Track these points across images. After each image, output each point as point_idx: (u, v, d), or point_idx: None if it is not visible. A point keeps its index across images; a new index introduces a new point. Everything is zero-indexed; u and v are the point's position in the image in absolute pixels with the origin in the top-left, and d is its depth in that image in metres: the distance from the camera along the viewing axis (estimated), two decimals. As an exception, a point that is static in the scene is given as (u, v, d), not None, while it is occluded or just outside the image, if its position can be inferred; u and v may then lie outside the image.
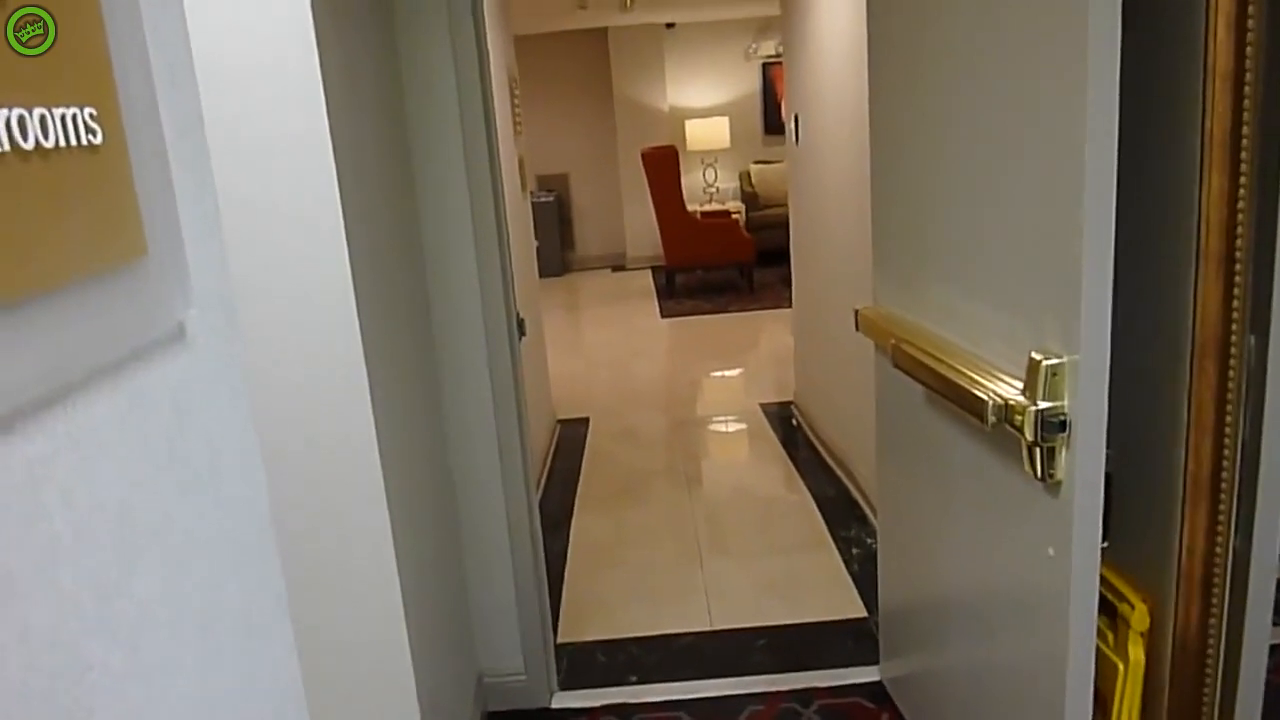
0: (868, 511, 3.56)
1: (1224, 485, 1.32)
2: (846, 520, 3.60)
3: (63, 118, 0.51)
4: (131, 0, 0.59)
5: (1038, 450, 1.39)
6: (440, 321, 2.41)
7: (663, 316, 7.89)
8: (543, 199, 9.59)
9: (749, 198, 9.88)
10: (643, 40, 9.88)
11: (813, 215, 4.30)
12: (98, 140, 0.54)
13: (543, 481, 4.23)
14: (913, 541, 2.16)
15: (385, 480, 1.80)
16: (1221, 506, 1.33)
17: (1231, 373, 1.28)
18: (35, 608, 0.48)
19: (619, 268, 10.39)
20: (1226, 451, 1.31)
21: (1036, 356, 1.37)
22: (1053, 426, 1.36)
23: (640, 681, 2.65)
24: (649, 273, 9.82)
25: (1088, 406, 1.32)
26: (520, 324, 2.56)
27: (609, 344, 7.25)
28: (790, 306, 5.15)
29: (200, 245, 0.65)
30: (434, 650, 2.10)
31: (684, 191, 8.56)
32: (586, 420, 5.16)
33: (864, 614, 2.90)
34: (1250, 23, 1.19)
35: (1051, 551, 1.41)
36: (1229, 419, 1.29)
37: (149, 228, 0.58)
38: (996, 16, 1.48)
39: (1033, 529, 1.48)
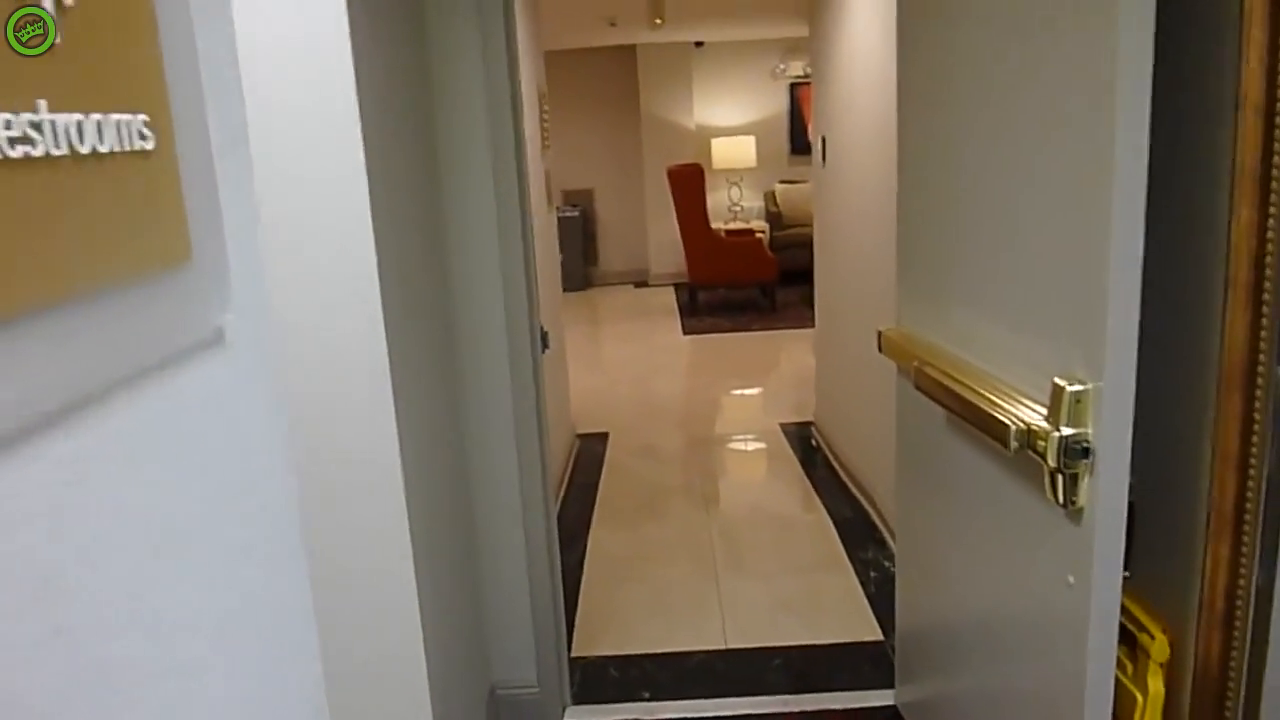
0: (886, 534, 3.55)
1: (1248, 518, 1.31)
2: (864, 542, 3.59)
3: (118, 124, 0.52)
4: (184, 13, 0.61)
5: (1060, 477, 1.39)
6: (464, 332, 2.43)
7: (684, 333, 7.89)
8: (568, 214, 9.63)
9: (773, 217, 9.89)
10: (671, 58, 9.93)
11: (837, 236, 4.30)
12: (149, 146, 0.55)
13: (561, 495, 4.24)
14: (931, 565, 2.15)
15: (406, 490, 1.81)
16: (1245, 539, 1.32)
17: (1258, 404, 1.27)
18: (72, 605, 0.49)
19: (642, 284, 10.41)
20: (1251, 484, 1.30)
21: (1060, 382, 1.37)
22: (1076, 453, 1.35)
23: (653, 698, 2.65)
24: (672, 289, 9.83)
25: (1112, 434, 1.32)
26: (543, 337, 2.58)
27: (630, 360, 7.26)
28: (812, 326, 5.15)
29: (240, 252, 0.67)
30: (449, 661, 2.11)
31: (709, 209, 8.58)
32: (606, 435, 5.16)
33: (880, 637, 2.89)
34: (1283, 54, 1.19)
35: (1072, 580, 1.41)
36: (1254, 451, 1.28)
37: (194, 233, 0.60)
38: (1026, 41, 1.49)
39: (1053, 556, 1.47)
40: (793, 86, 10.14)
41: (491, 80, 2.32)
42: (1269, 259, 1.22)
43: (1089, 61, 1.28)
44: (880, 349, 2.28)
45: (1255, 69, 1.19)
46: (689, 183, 8.24)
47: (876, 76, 3.36)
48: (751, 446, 5.17)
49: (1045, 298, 1.48)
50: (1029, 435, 1.43)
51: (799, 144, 10.06)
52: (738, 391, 6.38)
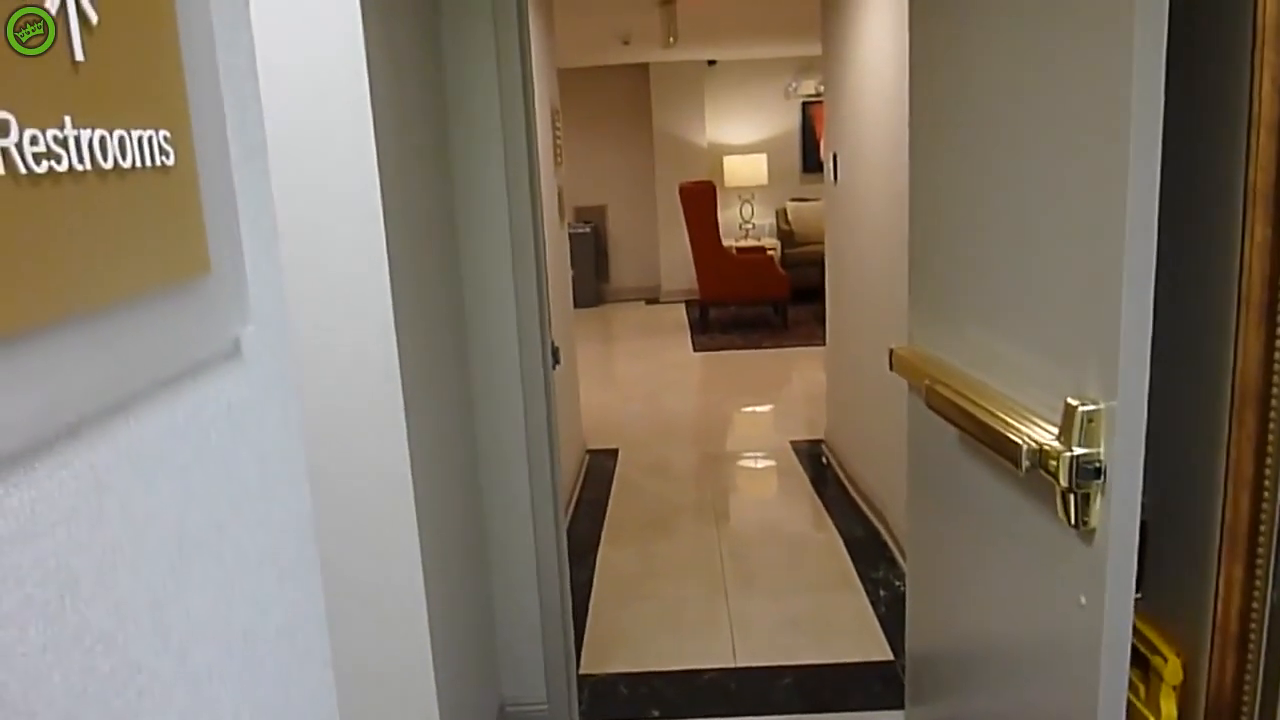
0: (896, 553, 3.53)
1: (1261, 539, 1.30)
2: (875, 561, 3.57)
3: (139, 139, 0.53)
4: (206, 29, 0.62)
5: (1072, 497, 1.38)
6: (476, 348, 2.44)
7: (695, 350, 7.90)
8: (580, 230, 9.66)
9: (785, 235, 9.91)
10: (684, 76, 9.97)
11: (849, 254, 4.30)
12: (170, 162, 0.56)
13: (570, 511, 4.24)
14: (942, 585, 2.14)
15: (417, 506, 1.82)
16: (1259, 561, 1.31)
17: (1271, 424, 1.26)
18: (94, 611, 0.50)
19: (653, 300, 10.43)
20: (1265, 505, 1.29)
21: (1073, 402, 1.36)
22: (1087, 473, 1.35)
23: (663, 716, 2.64)
24: (683, 306, 9.84)
25: (1124, 454, 1.31)
26: (555, 352, 2.58)
27: (641, 376, 7.27)
28: (823, 344, 5.15)
29: (258, 264, 0.67)
30: (458, 677, 2.11)
31: (720, 227, 8.60)
32: (616, 451, 5.16)
33: (891, 656, 2.87)
34: (1296, 76, 1.19)
35: (1084, 600, 1.40)
36: (1268, 472, 1.28)
37: (213, 246, 0.61)
38: (1039, 61, 1.49)
39: (1065, 577, 1.46)
40: (805, 105, 10.17)
41: (505, 97, 2.33)
42: (1282, 280, 1.22)
43: (1102, 82, 1.29)
44: (891, 367, 2.28)
45: (1269, 91, 1.19)
46: (701, 200, 8.26)
47: (889, 95, 3.37)
48: (762, 464, 5.17)
49: (1058, 317, 1.48)
50: (1041, 455, 1.42)
51: (811, 162, 10.08)
52: (748, 409, 6.38)
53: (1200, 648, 1.42)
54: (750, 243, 9.63)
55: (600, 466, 4.93)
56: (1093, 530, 1.37)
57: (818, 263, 5.30)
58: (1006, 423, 1.55)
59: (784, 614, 3.23)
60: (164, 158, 0.56)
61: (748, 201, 10.16)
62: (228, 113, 0.64)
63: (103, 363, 0.51)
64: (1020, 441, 1.47)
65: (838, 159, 4.42)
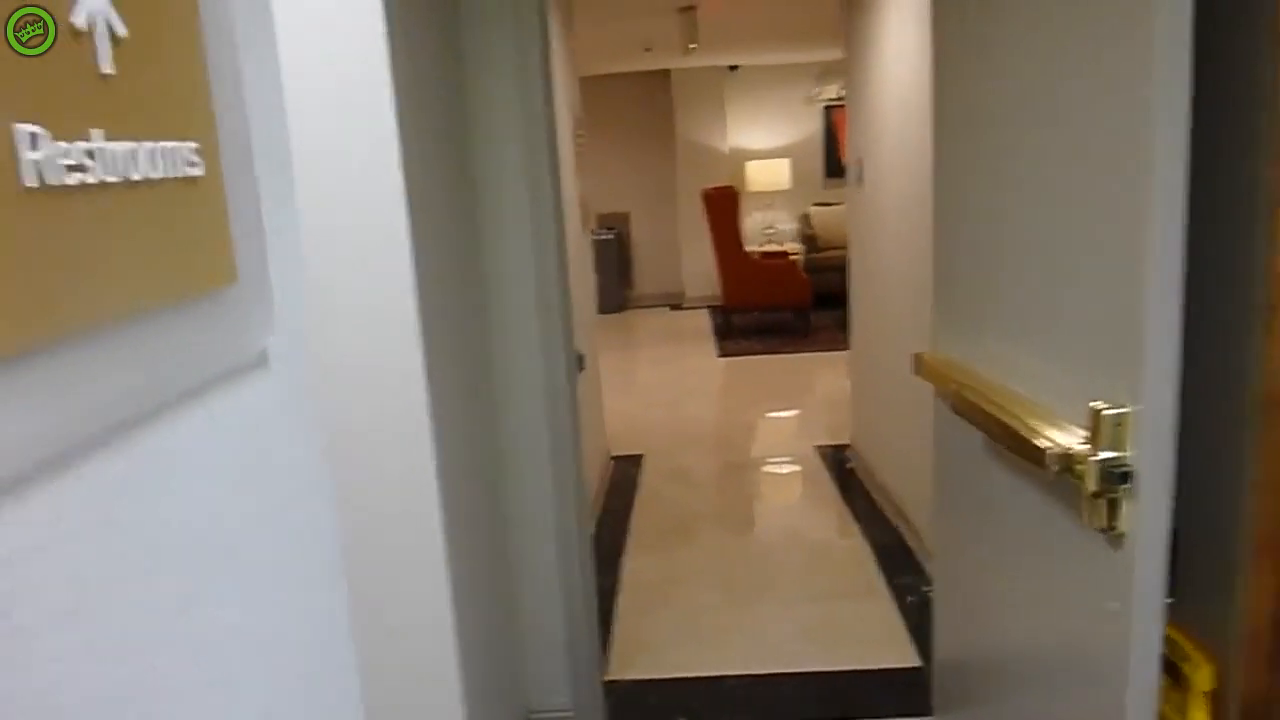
0: (923, 559, 3.51)
1: (1294, 544, 1.28)
2: (901, 567, 3.55)
3: (167, 151, 0.54)
4: (231, 41, 0.63)
5: (1099, 501, 1.37)
6: (500, 355, 2.45)
7: (719, 356, 7.89)
8: (603, 236, 9.68)
9: (808, 240, 9.88)
10: (705, 82, 9.98)
11: (872, 258, 4.29)
12: (198, 173, 0.57)
13: (595, 517, 4.24)
14: (970, 591, 2.13)
15: (443, 513, 1.82)
16: (1291, 565, 1.29)
17: (1302, 428, 1.25)
18: (120, 618, 0.51)
19: (676, 306, 10.43)
20: (1297, 509, 1.28)
21: (1099, 406, 1.35)
22: (1115, 478, 1.33)
23: (688, 723, 2.63)
24: (706, 312, 9.84)
25: (1152, 458, 1.30)
26: (579, 359, 2.59)
27: (664, 382, 7.27)
28: (847, 349, 5.13)
29: (284, 275, 0.68)
30: (483, 684, 2.11)
31: (743, 232, 8.59)
32: (640, 458, 5.16)
33: (918, 663, 2.85)
34: (1324, 75, 1.18)
35: (1113, 606, 1.38)
36: (1300, 475, 1.26)
37: (239, 257, 0.61)
38: (1062, 66, 1.49)
39: (1093, 582, 1.45)
40: (827, 109, 10.15)
41: (527, 106, 2.34)
42: (1312, 281, 1.20)
43: (1126, 86, 1.28)
44: (916, 372, 2.27)
45: (1296, 90, 1.18)
46: (723, 206, 8.26)
47: (912, 99, 3.36)
48: (786, 470, 5.15)
49: (1083, 320, 1.47)
50: (1067, 459, 1.41)
51: (833, 167, 10.05)
52: (772, 414, 6.36)
53: (1233, 654, 1.40)
54: (773, 248, 9.61)
55: (624, 473, 4.93)
56: (1121, 535, 1.36)
57: (841, 268, 5.29)
58: (1032, 427, 1.54)
59: (810, 620, 3.22)
60: (191, 169, 0.56)
61: (770, 207, 10.14)
62: (253, 124, 0.65)
63: (130, 373, 0.52)
64: (1047, 446, 1.45)
65: (861, 163, 4.41)
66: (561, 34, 4.26)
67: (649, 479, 4.85)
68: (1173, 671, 1.50)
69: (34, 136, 0.44)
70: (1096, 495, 1.36)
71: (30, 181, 0.44)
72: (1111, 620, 1.39)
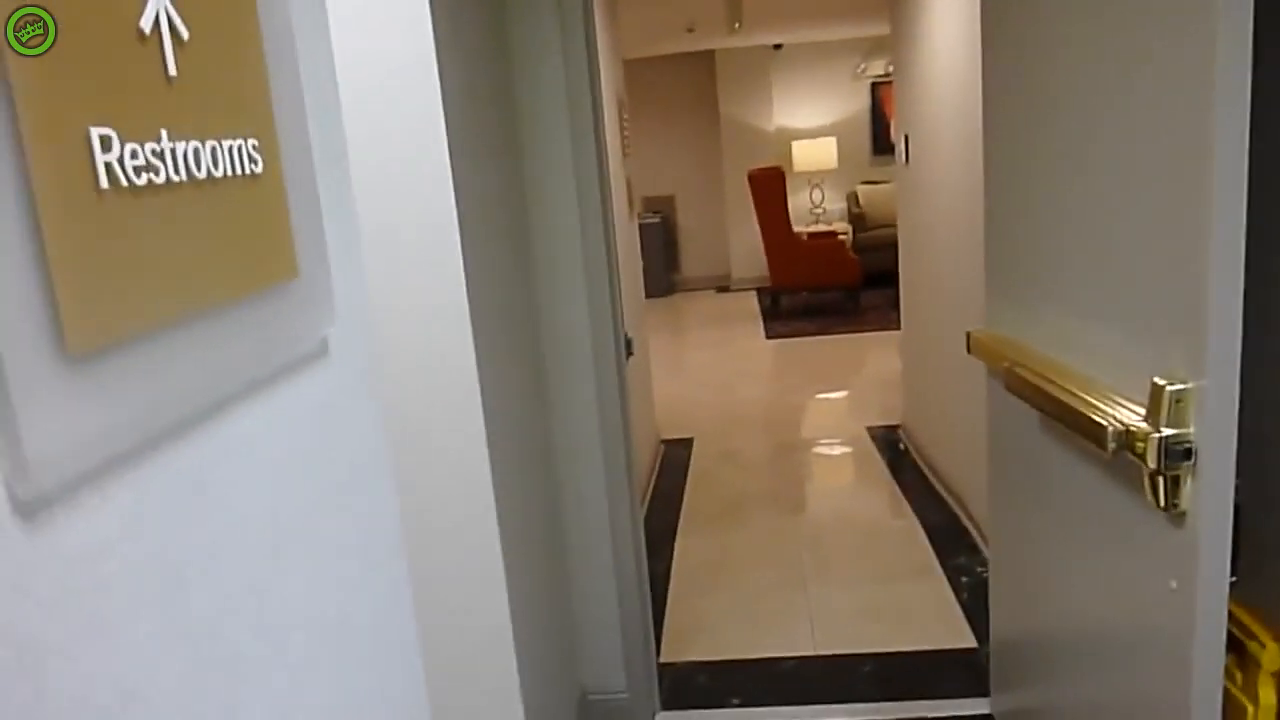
0: (978, 539, 3.48)
1: (1364, 520, 1.25)
2: (956, 548, 3.52)
3: (230, 149, 0.56)
4: (288, 38, 0.64)
5: (1161, 479, 1.35)
6: (549, 341, 2.46)
7: (767, 338, 7.85)
8: (649, 220, 9.67)
9: (856, 219, 9.78)
10: (750, 62, 9.90)
11: (922, 236, 4.24)
12: (259, 169, 0.58)
13: (646, 501, 4.26)
14: (1026, 571, 2.11)
15: (496, 498, 1.85)
16: (1361, 542, 1.26)
17: (1373, 402, 1.22)
18: (198, 600, 0.52)
19: (724, 289, 10.39)
20: (1367, 485, 1.25)
21: (1160, 381, 1.33)
22: (1177, 455, 1.31)
23: (743, 704, 2.64)
24: (754, 294, 9.79)
25: (1215, 434, 1.28)
26: (628, 344, 2.60)
27: (713, 365, 7.26)
28: (897, 329, 5.08)
29: (343, 267, 0.69)
30: (539, 667, 2.14)
31: (790, 212, 8.53)
32: (690, 441, 5.17)
33: (974, 644, 2.83)
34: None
35: (1175, 585, 1.36)
36: (1370, 450, 1.23)
37: (300, 251, 0.63)
38: (1120, 32, 1.46)
39: (1154, 561, 1.43)
40: (874, 86, 10.02)
41: (572, 91, 2.35)
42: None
43: (1186, 51, 1.25)
44: (969, 350, 2.25)
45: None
46: (770, 186, 8.20)
47: (960, 72, 3.31)
48: (837, 451, 5.12)
49: (1143, 294, 1.44)
50: (1127, 436, 1.39)
51: (881, 144, 9.93)
52: (822, 395, 6.32)
53: (1300, 633, 1.38)
54: (821, 228, 9.53)
55: (675, 456, 4.94)
56: (1183, 513, 1.34)
57: (891, 246, 5.23)
58: (1090, 404, 1.52)
59: (863, 602, 3.21)
60: (253, 166, 0.58)
61: (818, 186, 10.05)
62: (311, 119, 0.66)
63: (200, 365, 0.54)
64: (1105, 423, 1.43)
65: (909, 140, 4.35)
66: (605, 17, 4.25)
67: (700, 462, 4.86)
68: (1239, 650, 1.48)
69: (106, 139, 0.46)
70: (1157, 473, 1.34)
71: (104, 183, 0.45)
72: (1174, 599, 1.37)
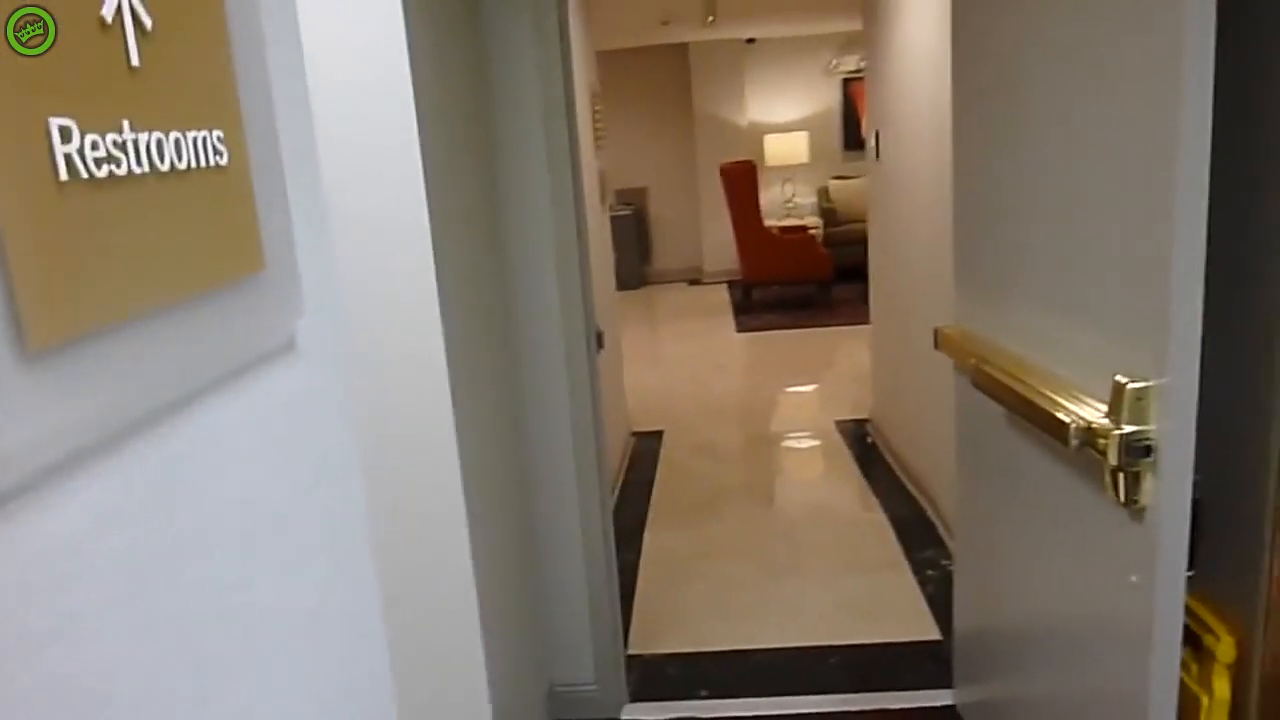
0: (944, 533, 3.51)
1: (1317, 517, 1.28)
2: (922, 542, 3.55)
3: (194, 140, 0.55)
4: (256, 31, 0.63)
5: (1121, 475, 1.37)
6: (520, 333, 2.46)
7: (739, 331, 7.87)
8: (622, 212, 9.66)
9: (827, 213, 9.82)
10: (723, 56, 9.90)
11: (892, 232, 4.27)
12: (224, 161, 0.58)
13: (616, 493, 4.26)
14: (990, 564, 2.13)
15: (465, 490, 1.84)
16: (1314, 538, 1.29)
17: (1327, 401, 1.24)
18: (167, 597, 0.52)
19: (696, 281, 10.41)
20: (1319, 482, 1.27)
21: (1121, 379, 1.35)
22: (1137, 451, 1.33)
23: (711, 696, 2.66)
24: (725, 287, 9.81)
25: (1175, 431, 1.30)
26: (598, 337, 2.60)
27: (685, 358, 7.27)
28: (867, 323, 5.11)
29: (312, 260, 0.69)
30: (507, 658, 2.14)
31: (762, 206, 8.55)
32: (661, 433, 5.18)
33: (939, 637, 2.86)
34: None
35: (1134, 579, 1.39)
36: (1323, 448, 1.26)
37: (267, 244, 0.62)
38: (1086, 34, 1.47)
39: (1115, 555, 1.45)
40: (845, 82, 10.06)
41: (545, 82, 2.34)
42: (1338, 252, 1.19)
43: (1152, 53, 1.27)
44: (937, 346, 2.27)
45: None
46: (742, 180, 8.22)
47: (931, 70, 3.33)
48: (807, 444, 5.15)
49: (1106, 293, 1.46)
50: (1089, 433, 1.41)
51: (852, 140, 9.97)
52: (793, 389, 6.35)
53: (1253, 626, 1.41)
54: (792, 222, 9.56)
55: (646, 448, 4.95)
56: (1143, 508, 1.36)
57: (861, 241, 5.26)
58: (1054, 401, 1.54)
59: (831, 594, 3.23)
60: (218, 158, 0.57)
61: (789, 180, 10.08)
62: (278, 112, 0.66)
63: (166, 360, 0.53)
64: (1069, 419, 1.45)
65: (879, 136, 4.38)
66: (579, 9, 4.24)
67: (670, 454, 4.87)
68: (1195, 643, 1.50)
69: (66, 130, 0.45)
70: (1118, 469, 1.37)
71: (64, 175, 0.45)
72: (1133, 593, 1.39)
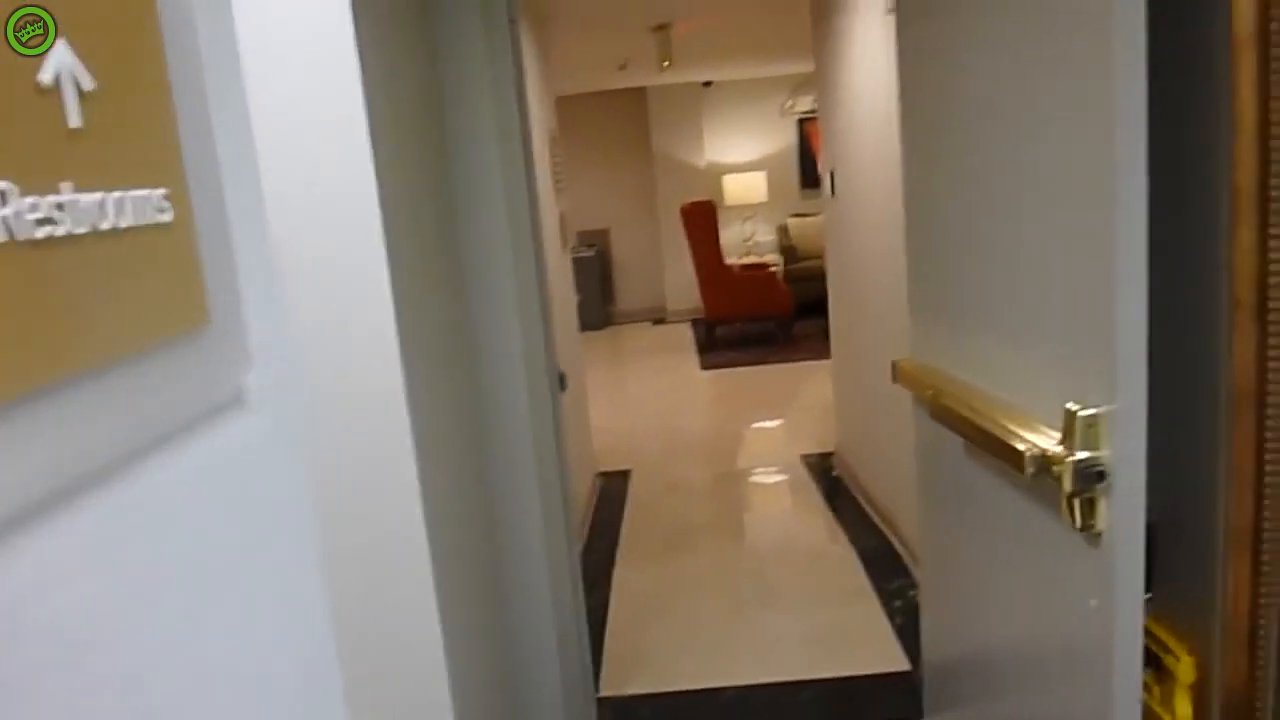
0: (910, 563, 3.53)
1: (1266, 536, 1.30)
2: (889, 572, 3.57)
3: (136, 199, 0.55)
4: (199, 90, 0.64)
5: (1076, 501, 1.39)
6: (483, 376, 2.46)
7: (703, 369, 7.91)
8: (584, 254, 9.70)
9: (787, 250, 9.93)
10: (681, 98, 10.04)
11: (850, 267, 4.32)
12: (167, 219, 0.58)
13: (584, 534, 4.24)
14: (955, 593, 2.14)
15: (429, 536, 1.83)
16: (1264, 559, 1.31)
17: (1269, 423, 1.27)
18: (109, 663, 0.51)
19: (659, 320, 10.45)
20: (1268, 502, 1.30)
21: (1072, 407, 1.37)
22: (1091, 477, 1.35)
23: (683, 737, 2.64)
24: (689, 325, 9.87)
25: (1126, 457, 1.32)
26: (561, 378, 2.60)
27: (650, 396, 7.28)
28: (829, 358, 5.16)
29: (260, 312, 0.69)
30: (476, 705, 2.11)
31: (722, 245, 8.63)
32: (628, 472, 5.17)
33: (908, 667, 2.86)
34: (1274, 78, 1.21)
35: (1094, 603, 1.40)
36: (1268, 469, 1.28)
37: (212, 298, 0.62)
38: (1023, 69, 1.51)
39: (1074, 580, 1.47)
40: (801, 121, 10.22)
41: (502, 128, 2.36)
42: (1272, 279, 1.23)
43: (1086, 88, 1.31)
44: (895, 379, 2.29)
45: (1248, 95, 1.21)
46: (702, 219, 8.30)
47: (881, 108, 3.40)
48: (773, 479, 5.17)
49: (1054, 323, 1.49)
50: (1044, 460, 1.43)
51: (810, 177, 10.11)
52: (758, 424, 6.38)
53: (1212, 646, 1.42)
54: (753, 260, 9.66)
55: (613, 488, 4.94)
56: (1099, 533, 1.38)
57: (821, 277, 5.32)
58: (1010, 430, 1.56)
59: (801, 628, 3.23)
60: (161, 215, 0.57)
61: (749, 219, 10.19)
62: (224, 167, 0.66)
63: (106, 420, 0.53)
64: (1024, 447, 1.47)
65: (834, 174, 4.45)
66: (537, 54, 4.28)
67: (637, 493, 4.86)
68: (1156, 665, 1.52)
69: (3, 194, 0.45)
70: (1073, 495, 1.38)
71: (1, 237, 0.45)
72: (1094, 617, 1.41)
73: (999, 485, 1.75)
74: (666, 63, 7.01)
